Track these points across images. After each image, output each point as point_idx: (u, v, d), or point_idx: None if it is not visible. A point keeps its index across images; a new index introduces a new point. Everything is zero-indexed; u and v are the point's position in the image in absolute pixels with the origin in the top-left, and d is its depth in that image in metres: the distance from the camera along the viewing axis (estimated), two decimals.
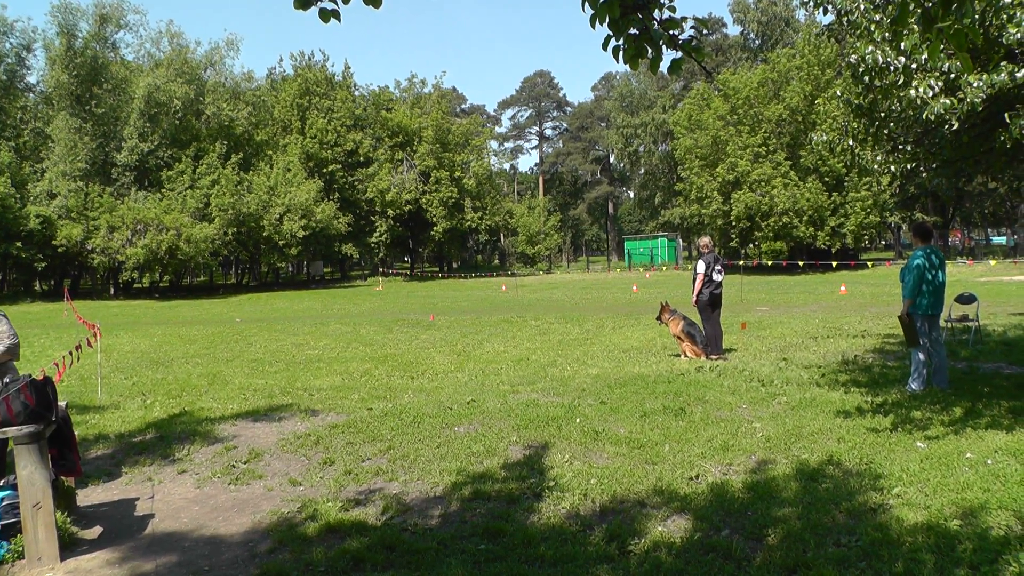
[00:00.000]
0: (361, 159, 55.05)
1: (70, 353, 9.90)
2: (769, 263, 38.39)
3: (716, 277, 11.90)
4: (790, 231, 43.19)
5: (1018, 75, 6.80)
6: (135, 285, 48.70)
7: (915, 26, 5.95)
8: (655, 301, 24.33)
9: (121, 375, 12.38)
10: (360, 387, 10.41)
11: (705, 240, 12.32)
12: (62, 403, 5.53)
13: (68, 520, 5.25)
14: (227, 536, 5.09)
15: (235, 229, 43.88)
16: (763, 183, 43.48)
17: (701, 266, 11.94)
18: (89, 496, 6.09)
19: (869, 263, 38.73)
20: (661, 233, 63.04)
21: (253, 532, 5.12)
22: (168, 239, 39.71)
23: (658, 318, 12.57)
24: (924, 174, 9.28)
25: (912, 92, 7.34)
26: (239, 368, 12.78)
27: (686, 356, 11.85)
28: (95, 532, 5.29)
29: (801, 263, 35.66)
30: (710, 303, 11.87)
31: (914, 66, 7.30)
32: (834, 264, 33.04)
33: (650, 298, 26.35)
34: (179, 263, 42.89)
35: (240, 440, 7.66)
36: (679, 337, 12.06)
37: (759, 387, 9.07)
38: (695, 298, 12.00)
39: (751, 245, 47.21)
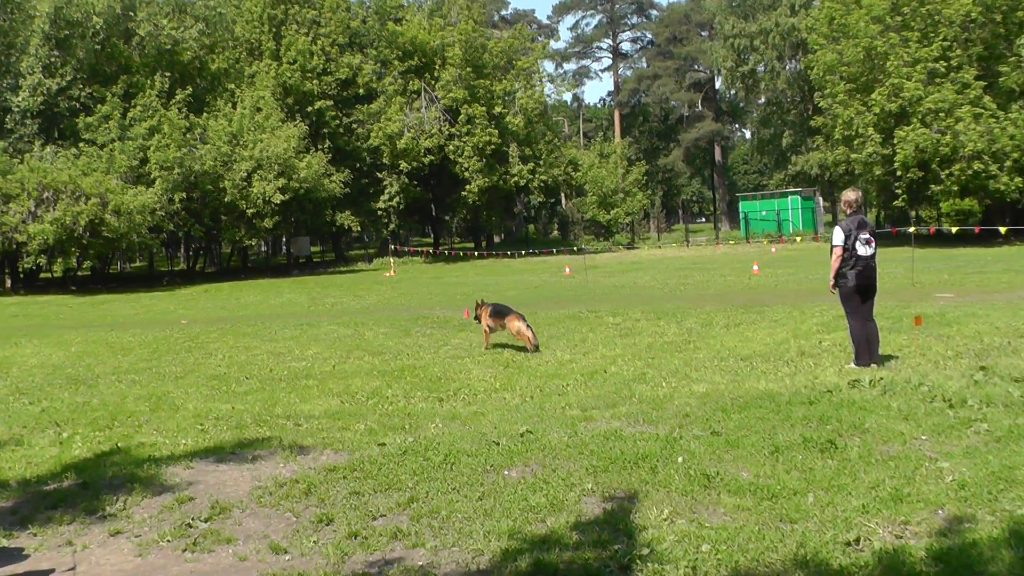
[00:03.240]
0: (361, 92, 55.55)
1: None
2: (954, 230, 37.74)
3: (862, 251, 11.60)
4: (985, 183, 42.45)
5: None
6: (42, 274, 49.74)
7: None
8: (785, 286, 24.09)
9: (24, 399, 12.63)
10: (367, 413, 10.47)
11: (849, 196, 12.06)
12: None
13: None
14: None
15: (184, 195, 44.57)
16: (943, 115, 42.69)
17: (839, 235, 11.68)
18: None
19: None
20: (792, 189, 62.45)
21: None
22: (89, 210, 39.71)
23: (476, 318, 14.27)
24: None
25: None
26: (194, 388, 12.94)
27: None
28: None
29: (1003, 229, 34.93)
30: (857, 289, 11.63)
31: None
32: None
33: (778, 282, 26.07)
34: (105, 243, 43.48)
35: (198, 489, 7.74)
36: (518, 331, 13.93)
37: (945, 410, 8.89)
38: (833, 282, 11.81)
39: (925, 205, 46.40)
